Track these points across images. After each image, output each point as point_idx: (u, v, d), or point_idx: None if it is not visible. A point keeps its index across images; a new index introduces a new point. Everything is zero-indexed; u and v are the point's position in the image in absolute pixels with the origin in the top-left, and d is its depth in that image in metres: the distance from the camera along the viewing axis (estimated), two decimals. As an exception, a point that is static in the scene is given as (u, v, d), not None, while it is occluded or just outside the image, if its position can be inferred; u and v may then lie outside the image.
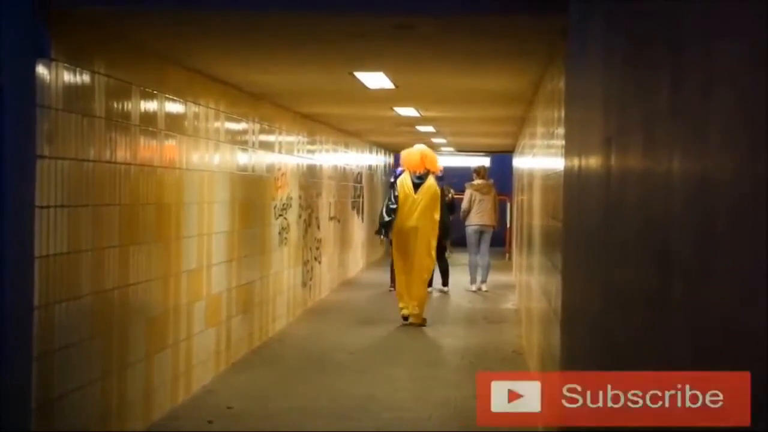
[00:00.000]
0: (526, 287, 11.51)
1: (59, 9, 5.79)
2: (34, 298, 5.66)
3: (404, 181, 13.15)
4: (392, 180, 13.55)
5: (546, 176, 7.66)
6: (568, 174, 5.19)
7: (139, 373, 7.39)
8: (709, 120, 1.98)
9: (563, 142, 5.69)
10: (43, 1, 5.65)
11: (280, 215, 12.28)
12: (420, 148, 13.56)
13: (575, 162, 4.80)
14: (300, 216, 13.66)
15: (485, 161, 26.69)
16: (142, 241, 7.36)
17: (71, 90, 6.09)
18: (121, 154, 6.90)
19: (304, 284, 14.03)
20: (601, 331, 3.58)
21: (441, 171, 13.60)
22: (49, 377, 5.87)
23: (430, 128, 16.29)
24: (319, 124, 14.84)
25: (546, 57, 7.37)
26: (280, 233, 12.25)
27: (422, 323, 12.87)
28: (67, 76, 6.03)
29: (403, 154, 13.54)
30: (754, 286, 1.70)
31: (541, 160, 8.85)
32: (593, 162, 3.96)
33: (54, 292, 5.88)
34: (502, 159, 24.97)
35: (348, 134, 17.81)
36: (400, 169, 13.52)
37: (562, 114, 5.91)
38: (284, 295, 12.60)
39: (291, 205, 12.92)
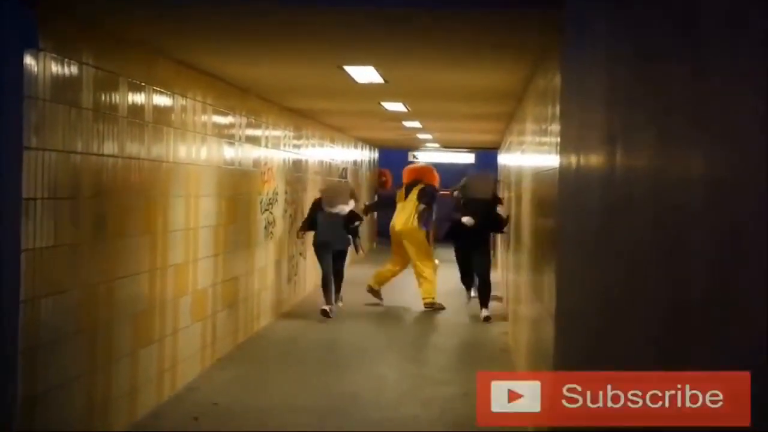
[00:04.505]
0: (513, 285, 11.46)
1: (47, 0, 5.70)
2: (21, 291, 5.56)
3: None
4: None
5: (537, 174, 7.60)
6: (564, 171, 5.13)
7: (125, 369, 7.29)
8: (731, 117, 1.90)
9: (558, 140, 5.63)
10: (32, -10, 5.55)
11: (266, 210, 12.20)
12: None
13: (572, 159, 4.74)
14: (286, 211, 13.57)
15: (470, 158, 26.68)
16: (129, 234, 7.27)
17: (59, 81, 5.99)
18: (109, 146, 6.81)
19: (289, 279, 13.95)
20: (601, 333, 3.52)
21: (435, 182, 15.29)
22: (34, 372, 5.78)
23: (416, 124, 16.22)
24: (305, 119, 14.76)
25: (539, 52, 7.31)
26: (265, 228, 12.16)
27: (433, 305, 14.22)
28: (55, 67, 5.93)
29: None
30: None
31: (531, 157, 8.79)
32: (594, 160, 3.89)
33: (40, 285, 5.79)
34: (486, 156, 24.93)
35: (333, 129, 17.72)
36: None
37: (557, 111, 5.85)
38: (269, 290, 12.52)
39: (277, 200, 12.83)
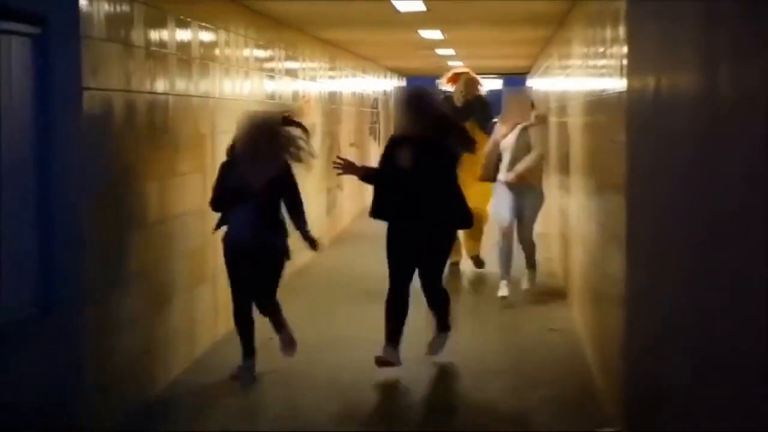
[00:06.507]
0: (558, 212, 11.37)
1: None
2: (83, 232, 5.51)
3: None
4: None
5: (593, 97, 7.47)
6: (638, 95, 5.00)
7: (182, 307, 7.26)
8: None
9: (623, 62, 5.50)
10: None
11: (306, 143, 12.09)
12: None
13: (649, 82, 4.61)
14: (323, 143, 13.48)
15: (497, 84, 26.42)
16: (181, 172, 7.20)
17: (112, 19, 5.88)
18: (160, 84, 6.72)
19: (328, 212, 13.89)
20: (696, 273, 3.43)
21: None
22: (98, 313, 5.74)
23: (450, 51, 16.05)
24: (338, 50, 14.60)
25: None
26: (305, 161, 12.06)
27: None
28: (108, 6, 5.82)
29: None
30: None
31: (580, 81, 8.65)
32: (684, 82, 3.77)
33: (101, 226, 5.74)
34: (515, 82, 24.66)
35: (365, 59, 17.55)
36: None
37: (620, 33, 5.72)
38: (310, 223, 12.43)
39: (315, 132, 12.72)
